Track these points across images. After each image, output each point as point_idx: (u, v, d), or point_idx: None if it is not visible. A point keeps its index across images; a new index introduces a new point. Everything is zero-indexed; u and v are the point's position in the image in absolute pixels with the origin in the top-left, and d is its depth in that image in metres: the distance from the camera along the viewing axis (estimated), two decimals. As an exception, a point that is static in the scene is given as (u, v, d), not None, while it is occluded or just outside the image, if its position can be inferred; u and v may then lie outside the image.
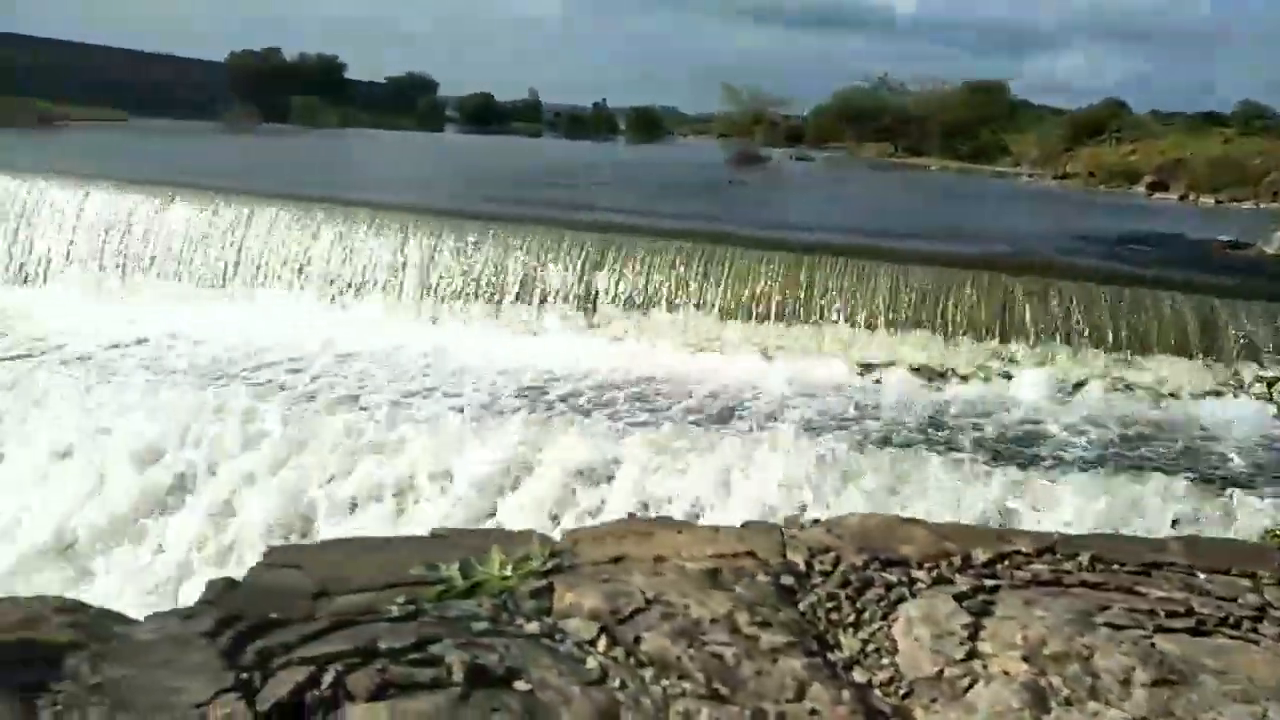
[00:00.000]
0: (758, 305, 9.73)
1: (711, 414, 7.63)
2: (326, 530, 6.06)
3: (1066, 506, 6.12)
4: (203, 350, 8.99)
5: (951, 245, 11.66)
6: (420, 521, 5.95)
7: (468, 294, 10.00)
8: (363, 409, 7.30)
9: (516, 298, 9.91)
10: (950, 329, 9.43)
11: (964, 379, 8.96)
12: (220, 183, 12.53)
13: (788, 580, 1.67)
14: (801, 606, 1.58)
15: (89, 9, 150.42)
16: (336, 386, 7.87)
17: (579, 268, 9.98)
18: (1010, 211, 22.01)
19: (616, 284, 9.90)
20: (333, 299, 10.25)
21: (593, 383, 8.34)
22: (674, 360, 9.16)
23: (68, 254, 11.78)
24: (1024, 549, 1.98)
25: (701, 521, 4.57)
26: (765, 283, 9.76)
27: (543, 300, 9.93)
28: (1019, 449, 7.29)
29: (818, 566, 1.75)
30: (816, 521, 2.12)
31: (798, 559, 1.78)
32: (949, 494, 6.05)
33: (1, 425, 7.33)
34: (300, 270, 10.49)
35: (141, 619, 1.82)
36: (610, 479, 6.50)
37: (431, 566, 1.74)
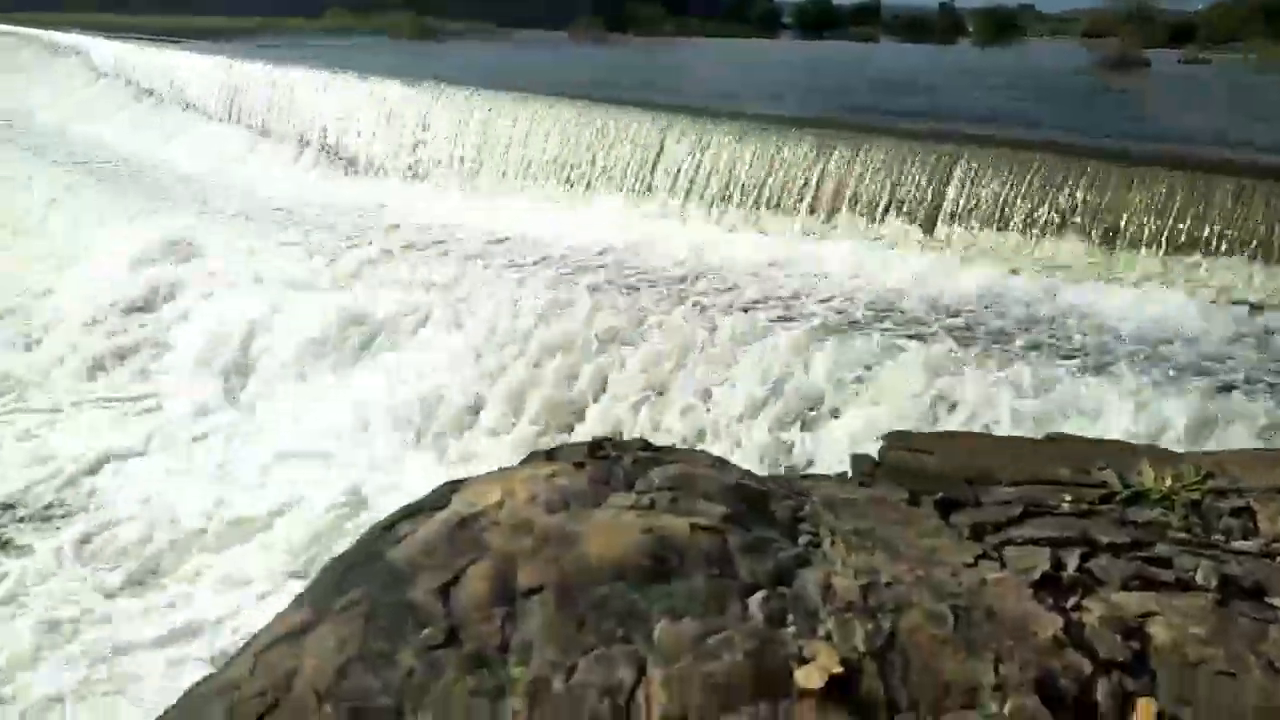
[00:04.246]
0: (1136, 230, 8.51)
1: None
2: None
3: None
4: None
5: None
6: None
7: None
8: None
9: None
10: None
11: None
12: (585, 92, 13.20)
13: None
14: None
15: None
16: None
17: (923, 182, 9.32)
18: None
19: (964, 200, 9.12)
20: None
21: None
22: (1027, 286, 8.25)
23: (450, 156, 13.26)
24: None
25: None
26: (1139, 207, 8.52)
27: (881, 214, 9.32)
28: None
29: None
30: None
31: None
32: None
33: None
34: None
35: (764, 476, 2.00)
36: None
37: (1080, 470, 1.74)
